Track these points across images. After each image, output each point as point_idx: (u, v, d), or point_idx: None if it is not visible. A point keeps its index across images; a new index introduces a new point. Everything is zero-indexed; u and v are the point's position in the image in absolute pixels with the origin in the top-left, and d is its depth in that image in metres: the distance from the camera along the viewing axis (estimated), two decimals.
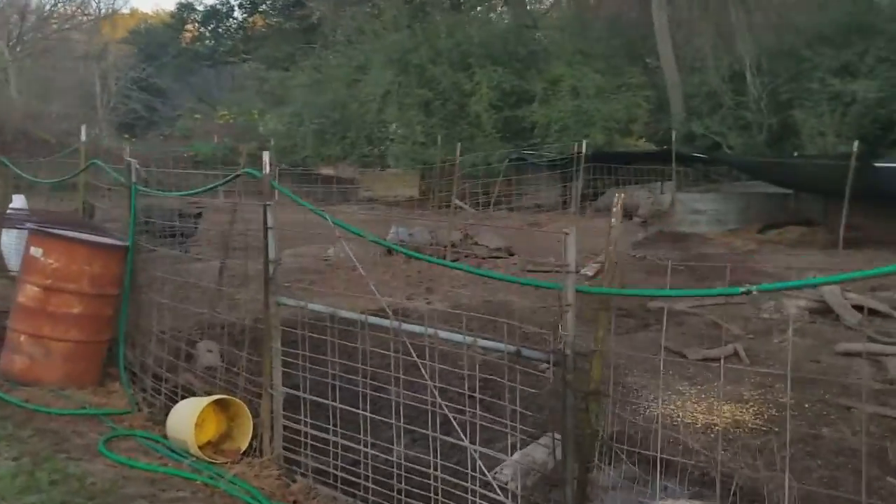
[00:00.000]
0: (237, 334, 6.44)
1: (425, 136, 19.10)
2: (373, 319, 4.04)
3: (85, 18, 37.77)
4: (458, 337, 3.55)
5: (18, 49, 34.12)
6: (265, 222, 4.37)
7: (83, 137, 7.94)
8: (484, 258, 10.78)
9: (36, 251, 5.44)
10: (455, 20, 21.52)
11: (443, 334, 3.66)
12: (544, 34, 20.15)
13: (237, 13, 39.33)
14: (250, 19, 40.09)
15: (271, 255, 4.36)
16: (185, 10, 39.47)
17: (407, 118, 19.31)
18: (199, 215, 11.86)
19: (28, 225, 5.65)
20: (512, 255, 11.15)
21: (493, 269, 10.62)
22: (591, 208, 17.69)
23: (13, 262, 7.08)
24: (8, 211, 7.47)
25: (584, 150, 16.00)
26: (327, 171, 21.83)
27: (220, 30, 39.99)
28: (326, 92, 20.15)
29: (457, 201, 18.77)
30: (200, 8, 38.38)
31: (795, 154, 14.66)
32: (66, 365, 5.47)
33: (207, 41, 40.46)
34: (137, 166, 5.59)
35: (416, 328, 3.83)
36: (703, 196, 14.74)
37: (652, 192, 18.33)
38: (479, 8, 25.62)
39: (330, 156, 20.07)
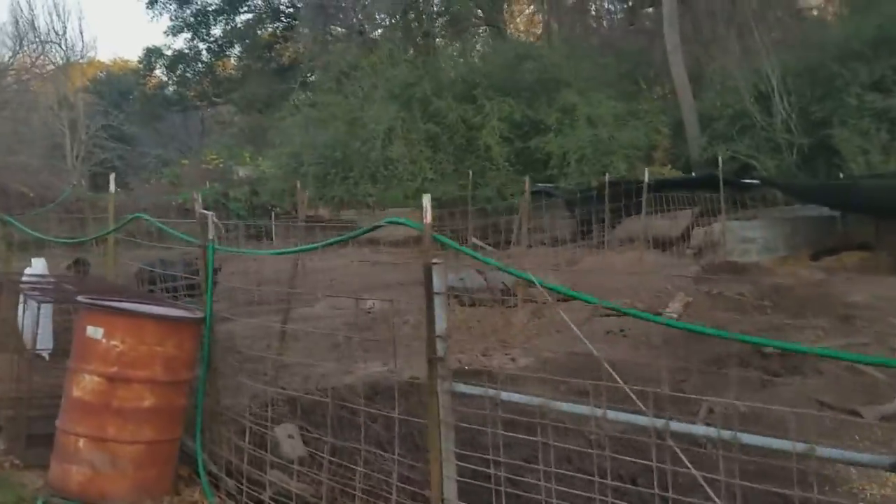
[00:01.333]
0: (316, 412, 5.45)
1: (434, 171, 18.27)
2: (573, 407, 3.10)
3: (44, 69, 36.57)
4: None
5: None
6: (429, 287, 3.39)
7: (112, 188, 6.85)
8: (543, 303, 9.81)
9: (94, 331, 4.37)
10: (456, 51, 20.88)
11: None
12: (550, 62, 19.50)
13: (204, 56, 38.60)
14: (218, 62, 39.37)
15: (439, 328, 3.38)
16: (153, 54, 38.57)
17: (413, 154, 18.46)
18: (217, 270, 10.82)
19: (79, 298, 4.57)
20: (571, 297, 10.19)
21: (557, 315, 9.69)
22: (614, 239, 16.98)
23: (39, 340, 5.95)
24: (25, 278, 6.36)
25: (606, 179, 15.33)
26: (322, 212, 20.86)
27: (187, 74, 39.17)
28: (327, 130, 19.24)
29: (474, 240, 17.94)
30: (168, 53, 37.47)
31: (841, 175, 14.07)
32: (136, 473, 4.39)
33: (174, 86, 39.66)
34: (215, 220, 4.58)
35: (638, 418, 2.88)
36: (752, 223, 14.03)
37: (674, 220, 17.68)
38: (454, 44, 25.16)
39: (334, 197, 19.09)
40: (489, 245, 17.39)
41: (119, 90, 39.48)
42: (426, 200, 3.47)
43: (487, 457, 3.30)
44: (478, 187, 18.49)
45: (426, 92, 18.97)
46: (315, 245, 5.31)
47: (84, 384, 4.34)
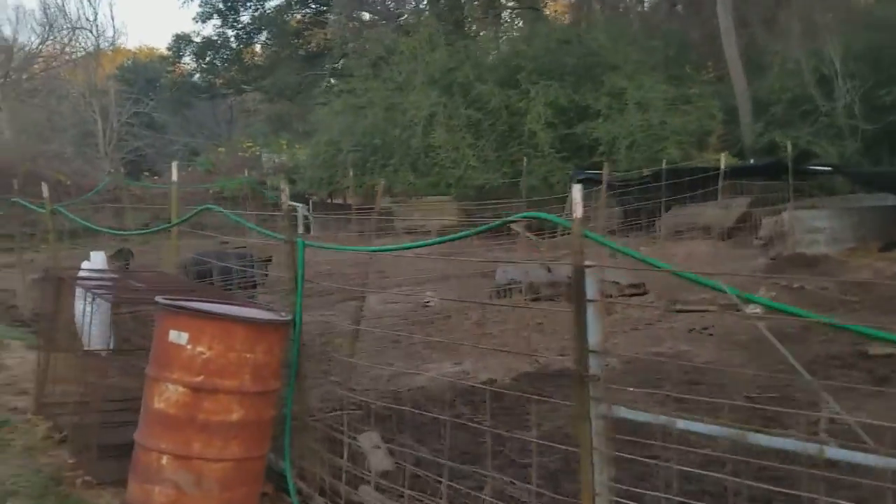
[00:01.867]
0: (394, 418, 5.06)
1: (476, 159, 17.77)
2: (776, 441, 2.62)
3: (73, 56, 36.51)
4: None
5: (8, 90, 32.73)
6: (580, 292, 2.93)
7: (174, 176, 6.43)
8: (614, 297, 9.32)
9: (178, 336, 3.96)
10: (492, 34, 20.28)
11: None
12: (595, 45, 18.84)
13: (233, 42, 38.27)
14: (246, 49, 39.07)
15: (592, 341, 2.93)
16: (182, 41, 38.34)
17: (455, 141, 17.95)
18: (268, 260, 10.45)
19: (159, 298, 4.15)
20: (646, 292, 9.71)
21: (628, 311, 9.21)
22: (662, 229, 16.42)
23: (99, 338, 5.57)
24: (84, 272, 5.97)
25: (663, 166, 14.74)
26: (355, 201, 20.46)
27: (216, 62, 38.88)
28: (365, 117, 18.77)
29: (519, 229, 17.42)
30: (197, 39, 37.20)
31: None
32: (223, 494, 4.00)
33: (202, 73, 39.46)
34: (306, 213, 4.12)
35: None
36: (819, 213, 13.38)
37: (727, 209, 17.05)
38: (490, 29, 24.55)
39: (374, 185, 18.63)
40: (532, 235, 16.91)
41: (146, 78, 39.40)
42: (576, 193, 2.99)
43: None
44: (521, 175, 17.97)
45: (468, 76, 18.44)
46: (440, 239, 4.61)
47: (167, 395, 3.93)
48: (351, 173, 18.71)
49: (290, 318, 4.26)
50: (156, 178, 23.23)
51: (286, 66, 31.92)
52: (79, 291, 6.18)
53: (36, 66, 36.45)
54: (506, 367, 6.84)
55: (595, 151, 17.88)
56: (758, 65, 18.04)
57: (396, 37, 21.19)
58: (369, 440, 4.85)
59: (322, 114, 20.35)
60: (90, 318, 5.37)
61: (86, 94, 33.46)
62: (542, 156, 17.75)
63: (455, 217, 23.37)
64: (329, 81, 27.36)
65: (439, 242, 4.65)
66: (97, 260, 6.00)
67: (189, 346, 3.91)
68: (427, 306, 9.56)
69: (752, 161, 16.15)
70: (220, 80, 37.56)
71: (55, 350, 5.71)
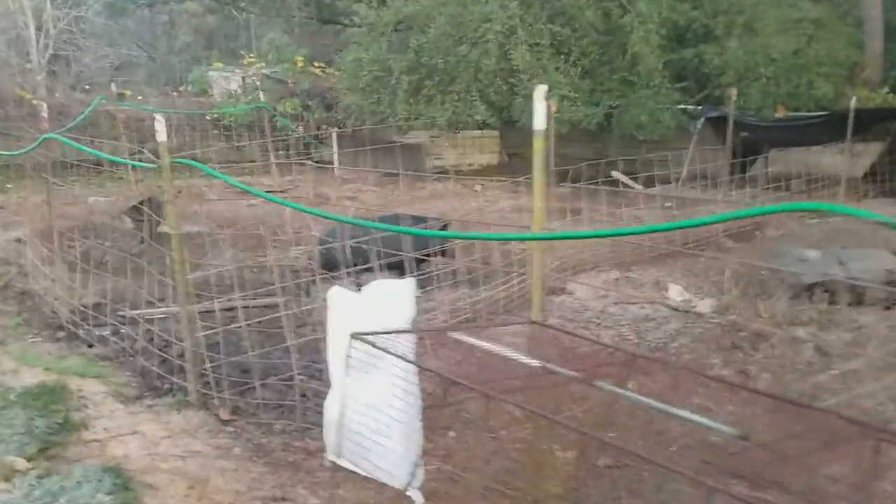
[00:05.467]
0: None
1: (571, 88, 14.33)
2: None
3: None
4: None
5: None
6: None
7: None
8: None
9: None
10: None
11: None
12: None
13: None
14: None
15: None
16: None
17: (541, 64, 14.42)
18: (444, 228, 7.32)
19: None
20: None
21: None
22: (761, 177, 13.73)
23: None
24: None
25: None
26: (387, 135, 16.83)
27: None
28: (422, 33, 14.90)
29: (617, 174, 14.28)
30: None
31: None
32: None
33: None
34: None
35: None
36: None
37: (856, 157, 14.40)
38: None
39: (433, 118, 14.99)
40: (637, 183, 13.82)
41: None
42: None
43: None
44: (617, 109, 14.72)
45: None
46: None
47: None
48: (388, 102, 15.06)
49: None
50: (125, 94, 18.66)
51: None
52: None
53: None
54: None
55: (711, 83, 14.74)
56: None
57: None
58: None
59: (359, 28, 16.26)
60: None
61: None
62: (648, 87, 14.47)
63: (494, 153, 20.01)
64: None
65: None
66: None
67: None
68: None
69: None
70: None
71: None
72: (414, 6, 15.19)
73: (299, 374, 5.11)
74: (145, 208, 10.24)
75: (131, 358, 5.66)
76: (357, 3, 16.07)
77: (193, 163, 4.61)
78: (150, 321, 6.17)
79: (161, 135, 4.36)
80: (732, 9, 14.36)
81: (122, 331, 6.19)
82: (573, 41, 14.90)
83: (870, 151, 14.46)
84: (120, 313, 6.71)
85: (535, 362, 2.84)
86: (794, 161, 14.42)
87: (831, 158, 14.61)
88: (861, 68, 14.51)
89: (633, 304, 6.93)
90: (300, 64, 17.67)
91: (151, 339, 5.81)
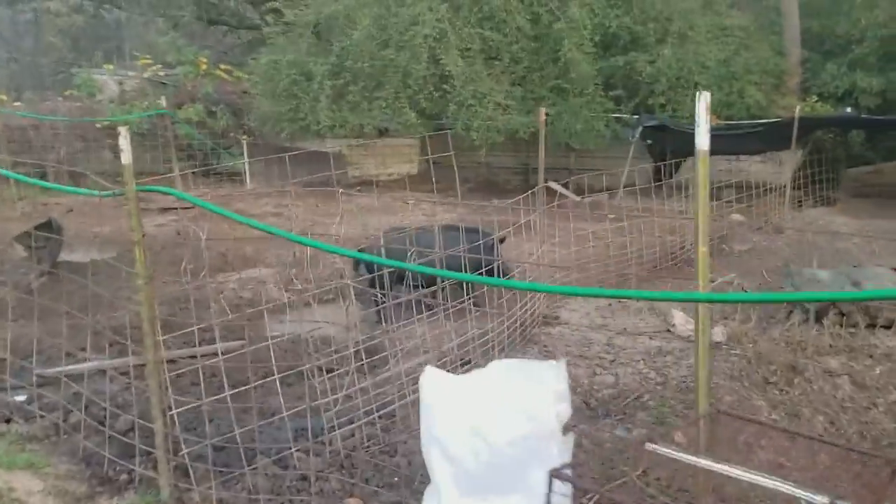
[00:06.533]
0: None
1: (505, 95, 13.69)
2: None
3: None
4: None
5: None
6: None
7: None
8: None
9: None
10: None
11: None
12: None
13: None
14: None
15: None
16: None
17: (473, 71, 13.71)
18: (502, 241, 7.05)
19: None
20: None
21: None
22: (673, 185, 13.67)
23: None
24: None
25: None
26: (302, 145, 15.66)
27: None
28: (349, 34, 13.84)
29: (554, 184, 13.74)
30: None
31: None
32: None
33: None
34: None
35: None
36: None
37: (779, 164, 14.56)
38: None
39: (361, 125, 13.97)
40: (568, 192, 13.37)
41: None
42: None
43: None
44: (549, 117, 14.17)
45: None
46: None
47: None
48: (310, 109, 13.95)
49: None
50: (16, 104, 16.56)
51: None
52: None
53: None
54: None
55: (642, 91, 14.46)
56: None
57: None
58: None
59: (276, 27, 14.99)
60: None
61: None
62: (581, 94, 14.03)
63: (412, 163, 19.09)
64: None
65: None
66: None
67: None
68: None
69: (847, 110, 13.53)
70: None
71: None
72: (334, 5, 14.12)
73: (297, 450, 4.10)
74: (42, 233, 8.79)
75: (66, 436, 4.44)
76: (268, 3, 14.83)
77: (164, 189, 3.53)
78: (78, 380, 4.96)
79: (126, 155, 3.29)
80: (661, 16, 14.16)
81: (45, 397, 4.93)
82: (504, 46, 14.28)
83: (790, 160, 14.60)
84: (36, 372, 5.42)
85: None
86: (721, 171, 14.36)
87: (757, 167, 14.69)
88: (790, 76, 14.63)
89: (640, 334, 6.26)
90: (203, 66, 16.20)
91: (87, 408, 4.62)
